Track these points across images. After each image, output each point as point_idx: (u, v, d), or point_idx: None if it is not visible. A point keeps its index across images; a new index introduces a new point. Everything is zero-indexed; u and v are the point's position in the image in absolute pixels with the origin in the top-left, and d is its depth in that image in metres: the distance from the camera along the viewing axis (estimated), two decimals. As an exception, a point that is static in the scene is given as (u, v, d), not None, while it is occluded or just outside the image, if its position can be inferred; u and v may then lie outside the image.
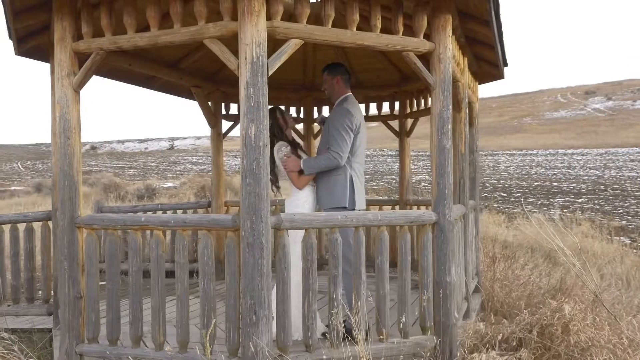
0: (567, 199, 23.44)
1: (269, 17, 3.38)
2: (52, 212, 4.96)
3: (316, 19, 3.74)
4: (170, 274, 3.69)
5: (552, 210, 18.91)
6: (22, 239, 5.13)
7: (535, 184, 30.68)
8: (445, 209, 3.87)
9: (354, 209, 4.20)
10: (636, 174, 34.12)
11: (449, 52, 3.92)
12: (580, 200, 22.59)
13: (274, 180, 4.33)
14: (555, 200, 22.80)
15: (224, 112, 7.27)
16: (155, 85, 6.75)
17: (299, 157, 4.42)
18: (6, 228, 5.19)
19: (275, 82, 7.28)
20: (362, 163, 4.46)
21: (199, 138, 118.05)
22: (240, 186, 3.32)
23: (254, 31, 3.29)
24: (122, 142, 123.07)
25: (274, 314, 3.39)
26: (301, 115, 7.78)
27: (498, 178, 34.06)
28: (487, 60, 5.73)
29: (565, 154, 49.49)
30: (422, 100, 6.96)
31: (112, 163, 66.44)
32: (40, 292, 5.36)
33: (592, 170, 37.41)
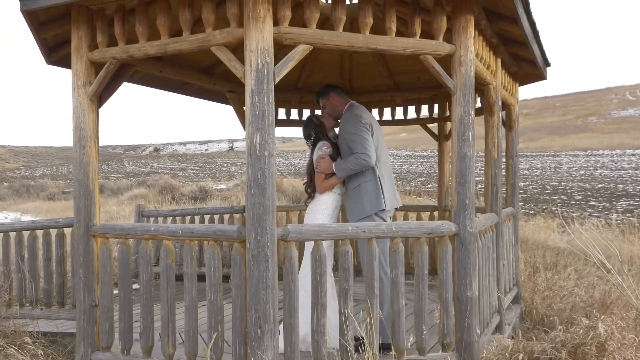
0: (631, 202, 22.24)
1: (275, 23, 3.29)
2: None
3: (326, 23, 3.62)
4: (180, 277, 3.64)
5: (614, 214, 17.98)
6: (54, 244, 5.25)
7: (599, 186, 29.31)
8: (466, 219, 3.66)
9: (384, 210, 4.12)
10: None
11: (471, 54, 3.71)
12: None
13: (312, 191, 4.27)
14: (619, 204, 21.68)
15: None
16: (190, 91, 6.79)
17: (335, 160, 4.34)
18: (39, 233, 5.32)
19: (308, 85, 7.29)
20: (387, 164, 4.34)
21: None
22: (245, 197, 3.24)
23: (259, 37, 3.20)
24: (184, 144, 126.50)
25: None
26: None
27: (559, 180, 32.79)
28: (526, 59, 5.44)
29: (633, 155, 47.09)
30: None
31: (172, 164, 68.33)
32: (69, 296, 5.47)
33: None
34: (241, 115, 7.02)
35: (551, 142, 55.92)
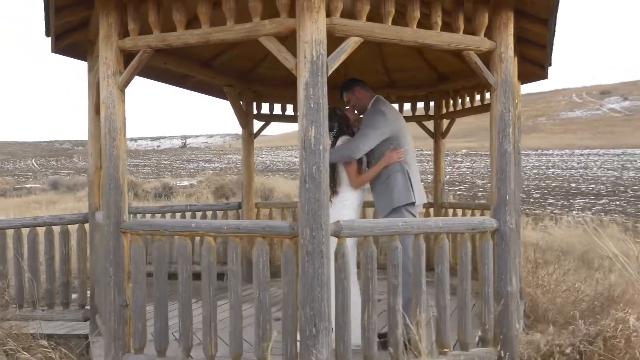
0: (587, 200, 23.08)
1: (328, 14, 3.21)
2: (88, 215, 4.83)
3: (373, 15, 3.56)
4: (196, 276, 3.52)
5: (573, 211, 18.60)
6: (57, 242, 5.00)
7: (554, 184, 30.31)
8: (507, 215, 3.68)
9: (413, 203, 4.12)
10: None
11: (511, 51, 3.73)
12: (601, 202, 22.23)
13: (333, 186, 4.18)
14: (576, 202, 22.47)
15: (255, 111, 7.13)
16: (188, 84, 6.61)
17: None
18: (41, 231, 5.07)
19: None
20: (413, 162, 4.34)
21: (211, 136, 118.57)
22: (299, 192, 3.16)
23: (314, 28, 3.12)
24: (135, 139, 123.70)
25: (333, 325, 3.23)
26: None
27: None
28: (532, 60, 5.52)
29: (581, 155, 48.94)
30: (460, 101, 6.78)
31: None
32: (74, 296, 5.23)
33: (609, 171, 36.92)
34: (238, 109, 6.89)
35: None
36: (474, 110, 6.63)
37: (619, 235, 11.73)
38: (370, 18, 3.38)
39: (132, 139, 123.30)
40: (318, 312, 3.10)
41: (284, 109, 7.30)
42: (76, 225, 5.02)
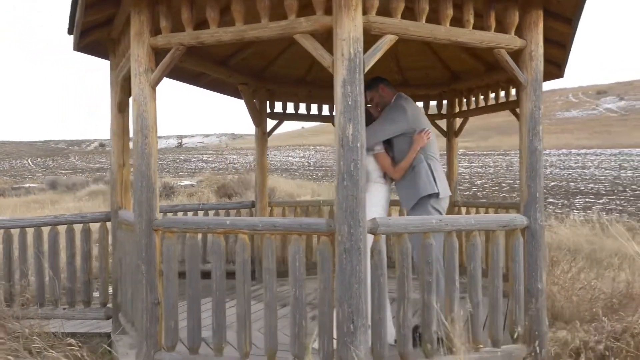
0: (587, 199, 23.16)
1: (364, 12, 3.22)
2: (110, 213, 4.83)
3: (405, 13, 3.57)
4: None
5: (574, 211, 18.65)
6: (78, 240, 4.99)
7: (552, 184, 30.38)
8: (537, 212, 3.70)
9: (437, 195, 4.13)
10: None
11: (541, 49, 3.75)
12: (601, 201, 22.30)
13: None
14: (576, 201, 22.53)
15: (268, 110, 7.12)
16: (203, 82, 6.61)
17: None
18: (61, 229, 5.06)
19: (317, 79, 7.21)
20: (437, 155, 4.36)
21: (207, 136, 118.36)
22: (335, 189, 3.16)
23: (352, 26, 3.12)
24: (130, 139, 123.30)
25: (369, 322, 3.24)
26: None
27: (514, 178, 33.75)
28: (550, 59, 5.53)
29: (578, 154, 49.10)
30: (473, 99, 6.79)
31: (122, 161, 66.38)
32: (94, 294, 5.23)
33: (607, 171, 37.05)
34: (252, 108, 6.89)
35: (501, 141, 57.58)
36: (487, 109, 6.65)
37: (627, 234, 11.80)
38: (403, 16, 3.39)
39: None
40: (356, 309, 3.11)
41: (296, 107, 7.30)
42: (97, 224, 5.02)
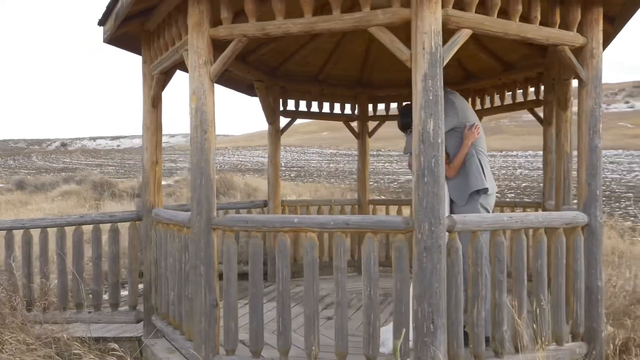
0: (561, 200, 23.62)
1: (442, 5, 3.15)
2: (142, 212, 4.65)
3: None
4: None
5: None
6: (106, 240, 4.79)
7: (524, 184, 30.96)
8: (597, 210, 3.70)
9: (487, 191, 4.09)
10: (619, 176, 34.76)
11: (601, 47, 3.75)
12: (574, 202, 22.77)
13: None
14: (553, 202, 22.96)
15: (281, 108, 7.01)
16: (222, 79, 6.44)
17: None
18: (86, 229, 4.84)
19: (329, 77, 7.14)
20: (485, 151, 4.32)
21: (172, 136, 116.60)
22: (414, 186, 3.09)
23: (433, 19, 3.06)
24: (94, 139, 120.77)
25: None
26: (355, 112, 7.58)
27: (509, 178, 34.27)
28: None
29: (545, 156, 50.07)
30: (488, 99, 6.83)
31: (87, 160, 64.90)
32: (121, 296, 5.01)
33: (574, 172, 37.80)
34: (266, 105, 6.77)
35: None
36: (503, 109, 6.69)
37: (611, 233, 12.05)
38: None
39: (90, 138, 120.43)
40: (436, 308, 3.04)
41: (309, 105, 7.21)
42: (122, 224, 4.82)
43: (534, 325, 3.45)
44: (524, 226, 3.44)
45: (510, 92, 6.56)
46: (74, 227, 4.77)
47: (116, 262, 4.72)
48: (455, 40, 3.20)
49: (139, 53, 4.73)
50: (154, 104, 4.52)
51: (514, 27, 3.40)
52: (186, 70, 5.09)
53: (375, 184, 30.41)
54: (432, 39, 3.06)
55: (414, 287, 3.10)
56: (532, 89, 6.21)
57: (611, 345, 3.92)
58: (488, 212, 4.15)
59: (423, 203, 3.04)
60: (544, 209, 5.73)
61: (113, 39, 4.58)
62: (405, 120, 4.35)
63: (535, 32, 3.49)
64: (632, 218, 16.61)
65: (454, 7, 3.20)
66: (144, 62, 4.57)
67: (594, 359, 3.68)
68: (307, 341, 3.29)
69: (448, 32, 3.24)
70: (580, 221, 3.65)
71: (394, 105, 7.54)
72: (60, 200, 21.55)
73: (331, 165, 49.87)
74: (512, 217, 3.40)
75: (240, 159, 58.78)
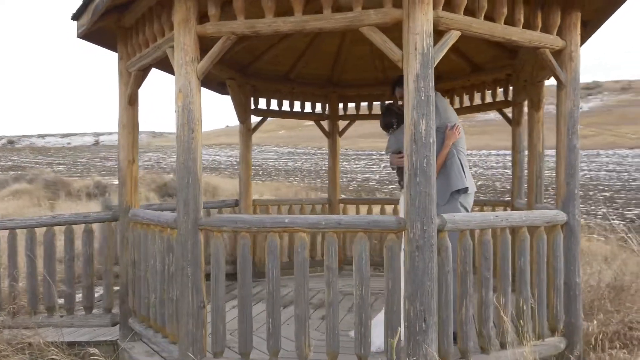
0: (516, 198, 24.23)
1: (433, 7, 3.18)
2: (117, 212, 4.52)
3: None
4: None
5: (508, 208, 19.44)
6: (78, 241, 4.64)
7: (480, 183, 31.64)
8: (575, 209, 3.81)
9: (466, 190, 4.13)
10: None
11: (579, 50, 3.86)
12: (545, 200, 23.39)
13: (401, 180, 4.12)
14: (506, 199, 23.54)
15: (252, 106, 6.95)
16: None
17: None
18: (58, 230, 4.68)
19: (300, 76, 7.12)
20: (466, 153, 4.37)
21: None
22: (407, 185, 3.11)
23: (424, 20, 3.08)
24: (43, 136, 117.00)
25: None
26: (326, 112, 7.58)
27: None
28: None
29: (498, 155, 51.44)
30: (457, 99, 6.93)
31: (37, 158, 62.76)
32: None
33: (526, 171, 38.98)
34: (238, 103, 6.70)
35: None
36: (473, 109, 6.81)
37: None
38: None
39: (39, 136, 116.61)
40: (428, 307, 3.07)
41: (280, 104, 7.18)
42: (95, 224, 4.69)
43: (520, 322, 3.53)
44: (509, 225, 3.51)
45: (480, 93, 6.69)
46: (45, 228, 4.61)
47: (90, 264, 4.58)
48: (446, 42, 3.24)
49: (113, 49, 4.60)
50: (130, 101, 4.41)
51: (499, 30, 3.46)
52: (162, 69, 5.07)
53: (335, 183, 30.49)
54: (424, 39, 3.08)
55: (405, 286, 3.12)
56: (500, 90, 6.35)
57: (591, 340, 4.07)
58: (467, 210, 4.21)
59: (415, 203, 3.07)
60: (513, 208, 5.86)
61: (87, 35, 4.43)
62: (387, 120, 4.38)
63: (519, 34, 3.57)
64: (585, 216, 17.21)
65: (443, 9, 3.24)
66: (120, 58, 4.45)
67: (574, 353, 3.79)
68: (297, 342, 3.26)
69: (437, 34, 3.27)
70: (560, 220, 3.75)
71: (364, 104, 7.58)
72: (11, 200, 20.78)
73: (289, 163, 49.81)
74: (499, 216, 3.47)
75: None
